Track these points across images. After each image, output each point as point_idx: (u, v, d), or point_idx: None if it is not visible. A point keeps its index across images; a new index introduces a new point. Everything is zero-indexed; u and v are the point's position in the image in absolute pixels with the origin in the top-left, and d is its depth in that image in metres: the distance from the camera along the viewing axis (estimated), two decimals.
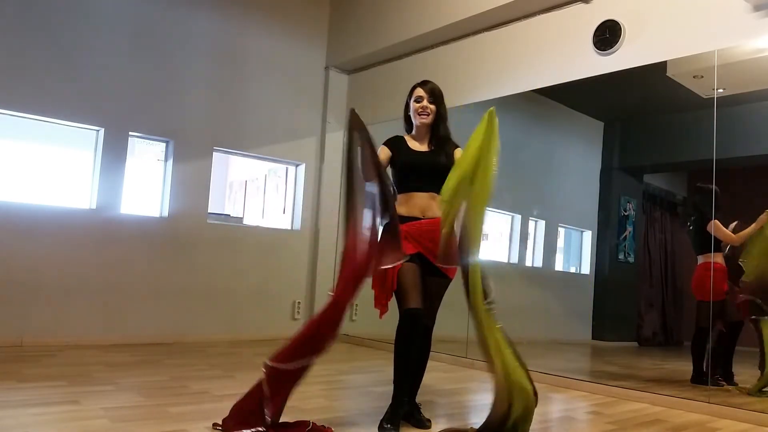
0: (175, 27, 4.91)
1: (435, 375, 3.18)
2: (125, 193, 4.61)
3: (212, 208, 5.28)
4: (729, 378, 3.81)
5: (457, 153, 2.69)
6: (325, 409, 2.61)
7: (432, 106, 2.66)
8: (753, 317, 3.84)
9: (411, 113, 2.71)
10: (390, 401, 2.51)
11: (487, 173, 2.25)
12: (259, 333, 5.26)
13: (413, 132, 2.74)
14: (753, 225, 3.89)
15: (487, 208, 2.32)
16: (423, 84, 2.71)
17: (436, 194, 2.61)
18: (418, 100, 2.67)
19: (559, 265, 6.05)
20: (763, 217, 3.87)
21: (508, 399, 2.20)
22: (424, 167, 2.63)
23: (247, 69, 5.32)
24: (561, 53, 4.15)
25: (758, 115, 4.08)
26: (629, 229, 5.73)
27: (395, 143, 2.71)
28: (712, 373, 3.69)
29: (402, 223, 2.58)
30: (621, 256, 5.71)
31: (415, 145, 2.70)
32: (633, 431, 2.79)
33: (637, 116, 5.58)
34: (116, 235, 4.53)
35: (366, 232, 2.28)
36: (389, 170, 2.74)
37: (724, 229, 3.92)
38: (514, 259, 5.82)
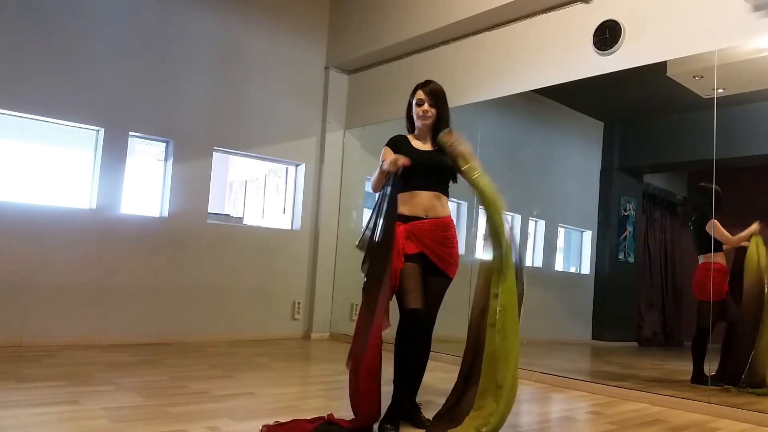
0: (176, 27, 4.91)
1: (435, 375, 3.17)
2: (125, 193, 4.61)
3: (212, 208, 5.28)
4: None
5: None
6: (325, 409, 2.61)
7: (432, 109, 2.66)
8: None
9: (413, 114, 2.70)
10: (390, 401, 2.51)
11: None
12: (259, 333, 5.27)
13: (416, 132, 2.74)
14: (746, 230, 3.92)
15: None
16: (424, 85, 2.69)
17: (439, 193, 2.62)
18: (419, 103, 2.67)
19: (559, 265, 6.05)
20: (753, 227, 3.91)
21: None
22: (426, 166, 2.62)
23: (247, 69, 5.32)
24: (561, 53, 4.15)
25: (758, 115, 4.08)
26: (629, 229, 5.74)
27: (398, 143, 2.70)
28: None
29: (404, 223, 2.58)
30: (621, 256, 5.71)
31: (418, 144, 2.70)
32: (633, 431, 2.79)
33: (637, 116, 5.59)
34: (116, 235, 4.53)
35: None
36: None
37: (723, 229, 3.92)
38: (515, 259, 5.81)
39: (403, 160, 2.50)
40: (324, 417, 2.43)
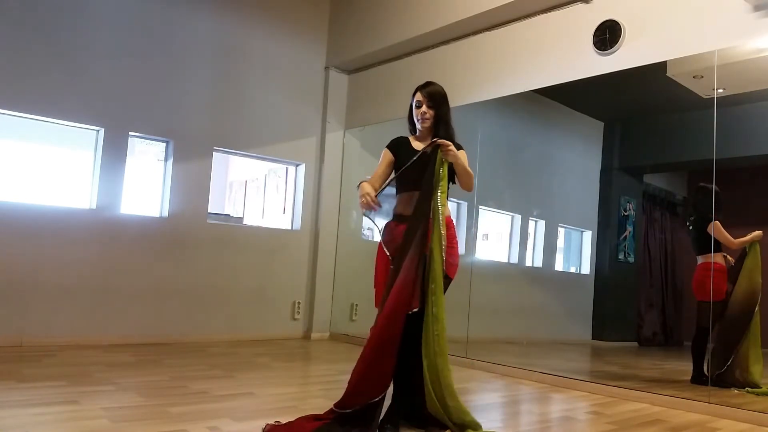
0: (176, 27, 4.91)
1: None
2: (125, 193, 4.61)
3: (212, 208, 5.28)
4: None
5: (460, 155, 2.68)
6: (325, 409, 2.61)
7: (431, 111, 2.65)
8: None
9: (413, 116, 2.71)
10: (390, 401, 2.51)
11: None
12: (259, 333, 5.26)
13: (417, 133, 2.74)
14: (749, 236, 3.94)
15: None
16: (423, 87, 2.69)
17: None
18: (418, 105, 2.67)
19: (559, 265, 6.05)
20: (755, 234, 3.92)
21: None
22: (426, 167, 2.62)
23: (247, 69, 5.32)
24: (561, 53, 4.15)
25: (758, 115, 4.08)
26: (629, 229, 5.74)
27: (398, 145, 2.71)
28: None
29: (403, 223, 2.58)
30: (621, 256, 5.71)
31: (417, 145, 2.70)
32: (633, 431, 2.79)
33: (637, 116, 5.59)
34: (116, 235, 4.53)
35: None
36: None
37: (725, 232, 3.92)
38: (514, 259, 5.82)
39: (372, 205, 2.54)
40: (327, 416, 2.42)
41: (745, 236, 3.96)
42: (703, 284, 3.93)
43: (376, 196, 2.55)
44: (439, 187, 2.49)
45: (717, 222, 3.90)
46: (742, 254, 3.99)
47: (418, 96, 2.67)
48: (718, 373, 3.73)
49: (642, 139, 5.63)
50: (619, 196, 5.75)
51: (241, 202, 6.81)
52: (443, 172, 2.51)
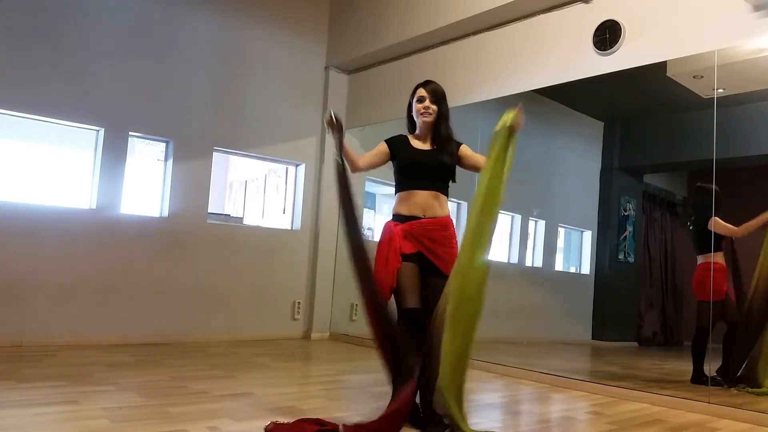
0: (175, 27, 4.91)
1: None
2: (125, 193, 4.61)
3: (212, 208, 5.28)
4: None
5: (464, 149, 2.71)
6: (325, 409, 2.61)
7: (434, 106, 2.68)
8: None
9: (414, 113, 2.72)
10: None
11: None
12: (258, 333, 5.26)
13: (416, 132, 2.75)
14: (757, 219, 3.87)
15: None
16: (425, 84, 2.73)
17: (437, 193, 2.63)
18: (421, 100, 2.69)
19: (559, 265, 6.06)
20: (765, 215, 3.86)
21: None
22: (425, 165, 2.64)
23: (247, 69, 5.32)
24: (561, 53, 4.15)
25: (758, 115, 4.08)
26: (629, 229, 5.74)
27: (397, 142, 2.73)
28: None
29: (402, 222, 2.59)
30: (621, 256, 5.71)
31: (417, 143, 2.72)
32: (633, 431, 2.79)
33: (637, 116, 5.59)
34: (116, 235, 4.53)
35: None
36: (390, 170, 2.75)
37: (725, 223, 3.91)
38: (514, 259, 5.82)
39: (332, 120, 2.54)
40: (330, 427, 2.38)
41: (751, 222, 3.87)
42: (703, 284, 3.93)
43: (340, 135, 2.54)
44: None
45: (716, 217, 3.90)
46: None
47: (421, 92, 2.70)
48: (734, 377, 3.71)
49: (642, 139, 5.63)
50: (619, 196, 5.75)
51: (241, 202, 6.80)
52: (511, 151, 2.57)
